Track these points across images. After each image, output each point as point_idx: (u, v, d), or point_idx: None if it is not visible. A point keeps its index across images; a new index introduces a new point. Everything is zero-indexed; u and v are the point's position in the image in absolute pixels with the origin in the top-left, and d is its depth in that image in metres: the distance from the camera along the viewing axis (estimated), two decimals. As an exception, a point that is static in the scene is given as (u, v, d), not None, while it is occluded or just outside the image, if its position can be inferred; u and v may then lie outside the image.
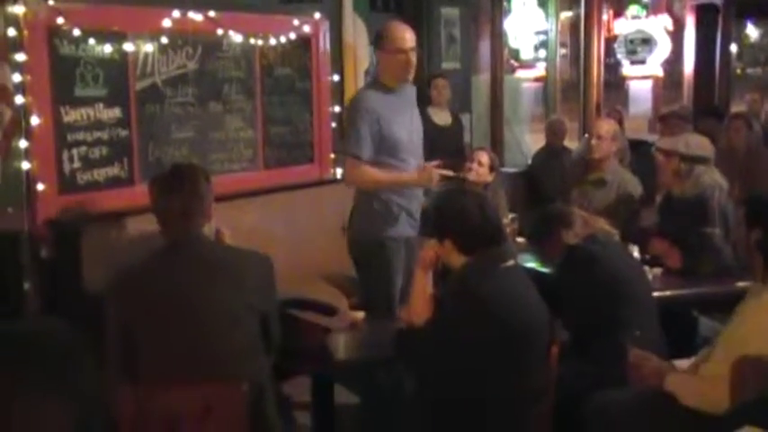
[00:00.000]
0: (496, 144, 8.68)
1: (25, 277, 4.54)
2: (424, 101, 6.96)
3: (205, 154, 5.41)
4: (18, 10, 4.38)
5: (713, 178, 4.52)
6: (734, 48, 11.64)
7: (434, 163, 4.22)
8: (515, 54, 12.30)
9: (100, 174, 4.88)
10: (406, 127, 4.28)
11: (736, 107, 9.63)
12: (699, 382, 2.98)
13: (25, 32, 4.42)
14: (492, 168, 5.41)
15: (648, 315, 3.58)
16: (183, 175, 3.02)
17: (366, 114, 4.14)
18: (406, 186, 4.25)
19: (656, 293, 3.87)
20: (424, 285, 3.30)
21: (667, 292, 4.06)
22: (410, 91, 4.44)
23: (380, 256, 4.14)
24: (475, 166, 5.36)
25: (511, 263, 3.19)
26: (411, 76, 4.33)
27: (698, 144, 4.60)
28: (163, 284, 2.85)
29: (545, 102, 10.22)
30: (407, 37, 4.24)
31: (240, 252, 3.01)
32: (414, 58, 4.25)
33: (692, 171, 4.47)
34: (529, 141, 9.98)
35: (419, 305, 3.25)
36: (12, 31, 4.37)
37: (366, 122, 4.13)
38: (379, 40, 4.32)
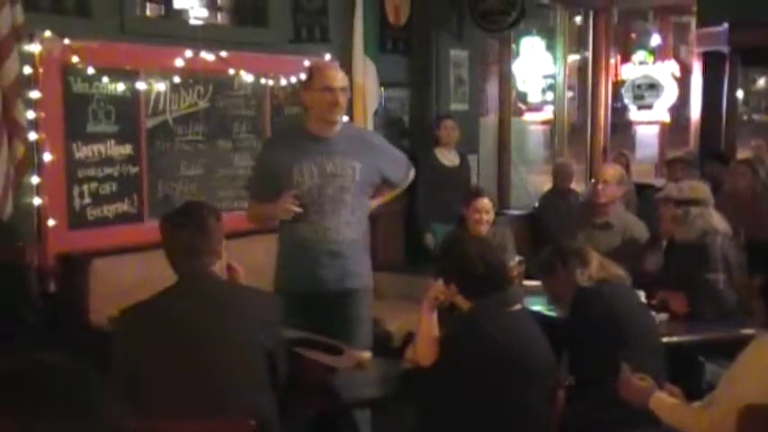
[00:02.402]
0: (503, 185, 8.73)
1: (33, 310, 4.57)
2: (431, 142, 7.04)
3: (214, 191, 5.45)
4: (34, 48, 4.46)
5: (710, 222, 4.52)
6: (740, 94, 11.72)
7: (292, 193, 3.93)
8: (523, 97, 12.40)
9: (109, 210, 4.93)
10: (316, 176, 3.97)
11: (742, 153, 9.66)
12: (693, 412, 3.00)
13: (40, 70, 4.51)
14: (493, 205, 5.38)
15: (656, 360, 3.58)
16: (193, 213, 3.03)
17: (263, 156, 4.20)
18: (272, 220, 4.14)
19: (662, 339, 3.86)
20: (429, 326, 3.30)
21: (674, 338, 4.06)
22: (347, 137, 4.08)
23: None
24: (483, 216, 5.25)
25: (517, 307, 3.20)
26: (337, 118, 4.00)
27: (690, 187, 4.64)
28: (170, 321, 2.86)
29: (552, 144, 10.28)
30: (337, 76, 4.02)
31: (248, 290, 3.03)
32: (342, 99, 3.97)
33: (687, 214, 4.49)
34: (535, 183, 10.02)
35: (425, 346, 3.25)
36: (27, 69, 4.45)
37: (261, 163, 4.17)
38: (306, 78, 4.14)
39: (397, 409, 3.46)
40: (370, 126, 6.63)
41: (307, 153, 3.98)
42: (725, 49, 9.35)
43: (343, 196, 4.01)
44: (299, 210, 3.91)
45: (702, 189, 4.67)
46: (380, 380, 3.60)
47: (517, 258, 5.08)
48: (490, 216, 5.26)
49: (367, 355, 3.52)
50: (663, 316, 4.27)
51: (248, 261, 3.85)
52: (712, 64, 9.61)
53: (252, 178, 4.28)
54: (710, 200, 4.65)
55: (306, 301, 3.98)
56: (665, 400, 3.08)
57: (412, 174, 4.43)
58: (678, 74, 12.28)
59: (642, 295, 4.17)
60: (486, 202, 5.25)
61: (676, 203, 4.52)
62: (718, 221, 4.56)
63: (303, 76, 5.74)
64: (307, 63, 5.85)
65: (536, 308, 4.32)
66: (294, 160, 3.97)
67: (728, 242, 4.46)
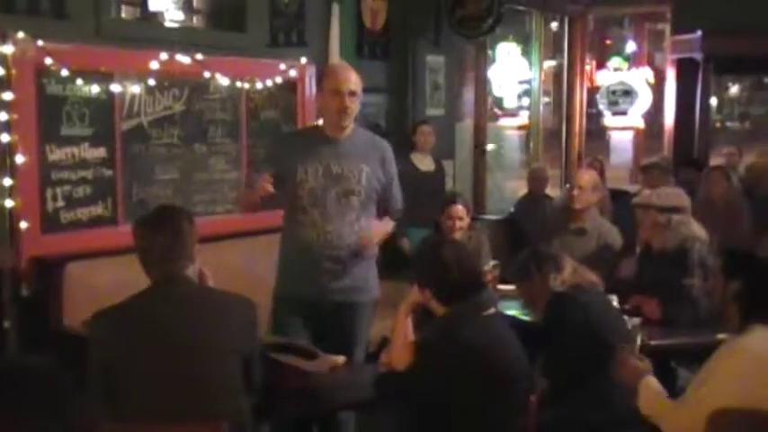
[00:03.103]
0: (478, 190, 8.75)
1: (6, 314, 4.53)
2: (407, 147, 7.04)
3: (189, 195, 5.43)
4: (6, 50, 4.42)
5: (691, 229, 4.57)
6: (713, 101, 11.82)
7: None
8: (499, 102, 12.45)
9: (83, 213, 4.89)
10: (320, 176, 3.92)
11: (715, 160, 9.75)
12: (667, 407, 3.04)
13: (13, 71, 4.47)
14: (468, 210, 5.41)
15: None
16: (166, 217, 3.02)
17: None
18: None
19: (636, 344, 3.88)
20: (404, 330, 3.32)
21: (647, 343, 4.07)
22: (358, 141, 4.04)
23: None
24: (456, 222, 5.30)
25: (492, 311, 3.22)
26: (345, 123, 3.93)
27: (671, 194, 4.69)
28: (144, 325, 2.85)
29: (527, 150, 10.32)
30: (351, 78, 3.94)
31: (223, 294, 3.02)
32: (351, 103, 3.90)
33: (669, 222, 4.52)
34: (511, 188, 10.05)
35: (399, 350, 3.26)
36: (0, 70, 4.41)
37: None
38: (318, 80, 4.09)
39: (374, 414, 3.45)
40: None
41: (315, 153, 3.93)
42: (698, 56, 9.44)
43: (350, 200, 3.94)
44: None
45: (684, 197, 4.71)
46: (355, 384, 3.60)
47: (492, 263, 5.11)
48: (464, 222, 5.30)
49: (341, 359, 3.52)
50: (635, 321, 4.29)
51: (224, 265, 3.86)
52: (686, 71, 9.70)
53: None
54: (689, 207, 4.70)
55: (305, 308, 3.94)
56: (652, 387, 3.12)
57: (400, 213, 4.31)
58: (652, 80, 12.35)
59: (615, 300, 4.19)
60: (459, 209, 5.31)
61: (659, 210, 4.55)
62: (698, 228, 4.61)
63: (279, 80, 5.81)
64: (283, 67, 5.87)
65: (510, 312, 4.34)
66: (300, 159, 3.92)
67: (706, 249, 4.50)
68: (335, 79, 3.93)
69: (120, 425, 2.72)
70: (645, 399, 3.10)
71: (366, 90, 6.96)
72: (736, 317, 3.01)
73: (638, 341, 3.57)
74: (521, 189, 8.61)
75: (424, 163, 7.06)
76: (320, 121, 4.19)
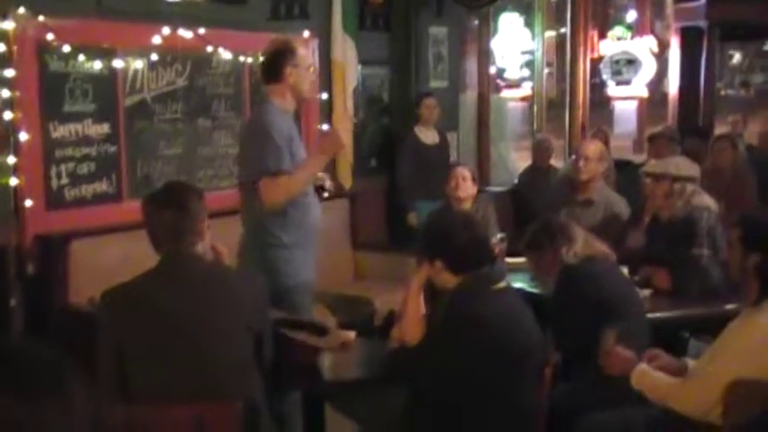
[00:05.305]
0: (483, 162, 8.71)
1: (11, 292, 4.51)
2: (411, 119, 7.00)
3: (193, 170, 5.40)
4: (8, 26, 4.37)
5: (703, 199, 4.55)
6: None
7: (326, 128, 4.10)
8: (502, 73, 12.37)
9: (87, 190, 4.87)
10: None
11: (719, 128, 9.70)
12: (673, 386, 3.01)
13: (14, 48, 4.42)
14: (474, 180, 5.38)
15: (642, 337, 3.58)
16: (175, 193, 2.99)
17: (278, 131, 3.86)
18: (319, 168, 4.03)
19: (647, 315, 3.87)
20: (416, 306, 3.28)
21: (657, 314, 4.06)
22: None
23: None
24: (460, 182, 5.29)
25: (503, 284, 3.19)
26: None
27: (686, 164, 4.65)
28: (156, 303, 2.82)
29: (530, 121, 10.26)
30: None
31: (233, 271, 3.00)
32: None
33: (683, 191, 4.48)
34: (515, 160, 10.01)
35: (411, 326, 3.23)
36: (1, 47, 4.36)
37: (280, 139, 3.84)
38: (290, 54, 3.97)
39: (383, 389, 3.43)
40: (350, 104, 6.59)
41: (294, 130, 4.01)
42: (703, 23, 9.36)
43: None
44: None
45: (696, 166, 4.68)
46: (366, 360, 3.58)
47: (499, 235, 5.07)
48: (469, 186, 5.26)
49: (352, 334, 3.50)
50: (646, 292, 4.28)
51: (228, 241, 3.82)
52: (690, 39, 9.63)
53: (273, 155, 3.83)
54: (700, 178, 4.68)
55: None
56: (647, 375, 3.09)
57: None
58: (656, 49, 12.27)
59: (625, 271, 4.17)
60: (460, 169, 5.31)
61: (674, 180, 4.50)
62: (707, 198, 4.58)
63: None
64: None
65: (518, 285, 4.31)
66: (295, 137, 3.97)
67: (715, 219, 4.47)
68: (308, 54, 4.15)
69: (131, 407, 2.71)
70: (647, 389, 3.06)
71: (368, 62, 7.01)
72: (755, 290, 2.98)
73: None
74: (524, 160, 8.57)
75: (429, 136, 7.02)
76: None
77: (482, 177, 8.28)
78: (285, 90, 3.96)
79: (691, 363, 3.26)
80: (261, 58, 4.17)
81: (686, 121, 9.48)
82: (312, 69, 3.99)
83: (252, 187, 3.85)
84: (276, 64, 3.95)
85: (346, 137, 6.33)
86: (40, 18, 4.48)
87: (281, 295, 3.65)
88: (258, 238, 3.92)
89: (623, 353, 3.15)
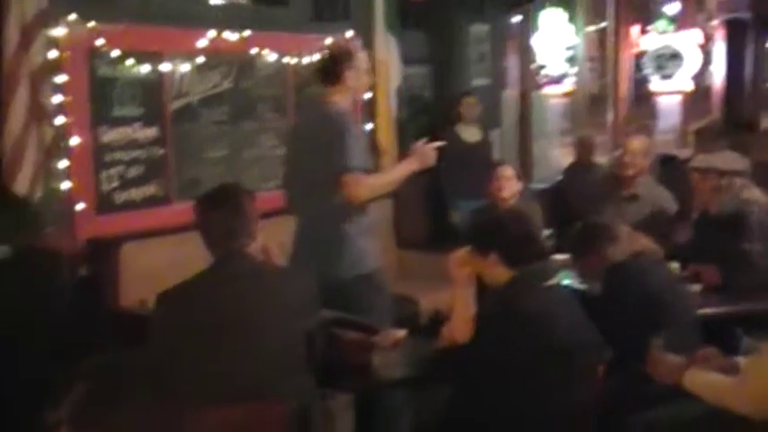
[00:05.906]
0: (525, 159, 8.68)
1: (65, 296, 4.57)
2: (453, 118, 6.99)
3: (240, 172, 5.45)
4: (59, 32, 4.44)
5: (753, 193, 4.49)
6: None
7: (422, 141, 4.15)
8: (543, 70, 12.27)
9: (137, 193, 4.94)
10: None
11: (766, 121, 9.58)
12: (730, 385, 2.97)
13: (65, 54, 4.49)
14: (517, 177, 5.36)
15: (692, 333, 3.56)
16: (227, 194, 3.04)
17: (353, 131, 3.99)
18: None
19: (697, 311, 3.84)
20: (465, 303, 3.28)
21: (707, 310, 4.03)
22: None
23: None
24: (503, 183, 5.26)
25: (553, 281, 3.18)
26: None
27: (734, 158, 4.60)
28: (208, 304, 2.86)
29: (572, 117, 10.20)
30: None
31: (285, 271, 3.03)
32: None
33: (731, 185, 4.44)
34: (557, 156, 9.94)
35: (461, 323, 3.23)
36: (52, 53, 4.43)
37: (356, 138, 3.99)
38: (349, 57, 4.09)
39: (431, 388, 3.44)
40: (393, 103, 6.60)
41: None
42: (746, 15, 9.25)
43: None
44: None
45: (743, 160, 4.63)
46: (414, 359, 3.59)
47: (545, 232, 5.05)
48: (513, 185, 5.25)
49: (402, 333, 3.52)
50: (695, 288, 4.24)
51: (273, 242, 3.85)
52: (734, 32, 9.51)
53: (354, 153, 3.90)
54: (749, 171, 4.62)
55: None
56: (699, 377, 3.03)
57: None
58: (702, 41, 12.10)
59: (676, 267, 4.14)
60: (506, 169, 5.28)
61: (720, 174, 4.46)
62: (758, 192, 4.52)
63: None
64: (328, 41, 5.84)
65: (566, 281, 4.30)
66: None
67: (765, 213, 4.42)
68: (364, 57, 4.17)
69: (184, 406, 2.73)
70: (701, 391, 2.99)
71: (410, 61, 7.02)
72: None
73: None
74: (566, 157, 8.52)
75: (470, 134, 7.02)
76: None
77: (525, 174, 8.25)
78: (344, 91, 4.07)
79: (742, 361, 3.21)
80: (318, 61, 4.28)
81: (731, 115, 9.38)
82: (368, 71, 4.08)
83: (326, 182, 3.91)
84: (335, 67, 4.06)
85: (389, 136, 6.36)
86: (90, 24, 4.55)
87: (352, 286, 3.86)
88: (333, 231, 4.01)
89: (671, 360, 3.11)
